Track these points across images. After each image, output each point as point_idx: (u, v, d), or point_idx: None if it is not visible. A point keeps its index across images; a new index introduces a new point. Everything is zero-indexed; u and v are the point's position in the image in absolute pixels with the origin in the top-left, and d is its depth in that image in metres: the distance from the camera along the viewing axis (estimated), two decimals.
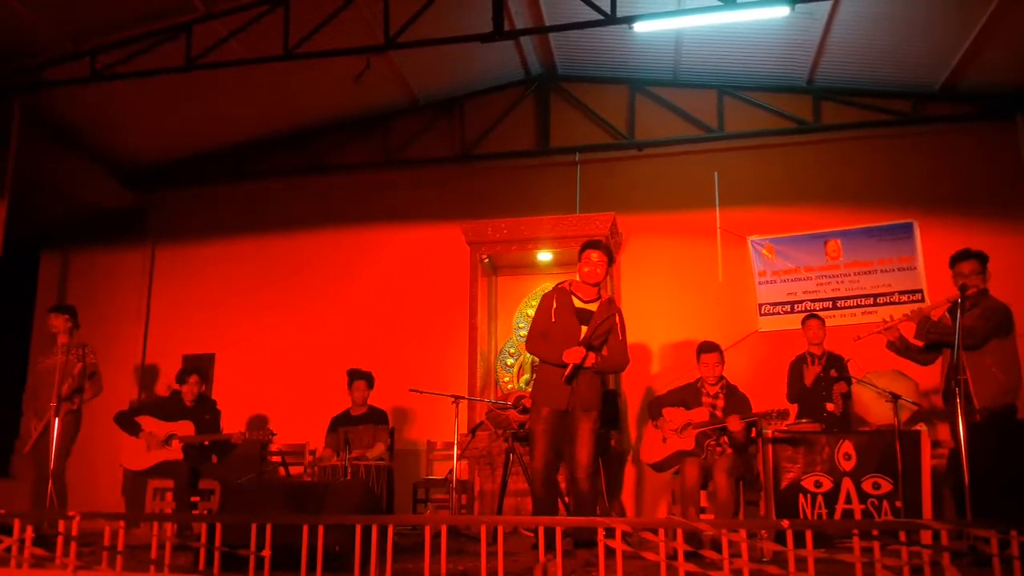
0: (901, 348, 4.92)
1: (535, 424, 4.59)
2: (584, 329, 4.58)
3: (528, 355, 7.28)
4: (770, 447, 5.01)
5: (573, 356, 4.48)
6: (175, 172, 8.86)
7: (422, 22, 6.27)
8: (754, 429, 5.20)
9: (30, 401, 6.23)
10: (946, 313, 4.74)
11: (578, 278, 4.74)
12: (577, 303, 4.66)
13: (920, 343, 4.86)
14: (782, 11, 5.88)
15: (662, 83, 8.07)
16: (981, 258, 4.73)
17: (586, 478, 4.45)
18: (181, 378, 6.48)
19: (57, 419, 5.53)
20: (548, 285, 4.96)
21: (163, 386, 8.39)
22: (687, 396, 5.46)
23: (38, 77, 6.84)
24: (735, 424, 5.05)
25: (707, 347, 5.48)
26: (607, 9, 5.93)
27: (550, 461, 4.54)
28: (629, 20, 6.04)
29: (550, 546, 3.20)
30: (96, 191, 8.54)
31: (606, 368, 4.70)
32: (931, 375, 5.22)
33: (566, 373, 4.48)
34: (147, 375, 8.54)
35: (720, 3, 5.82)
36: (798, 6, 5.86)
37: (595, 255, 4.67)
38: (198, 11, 6.58)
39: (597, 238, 5.10)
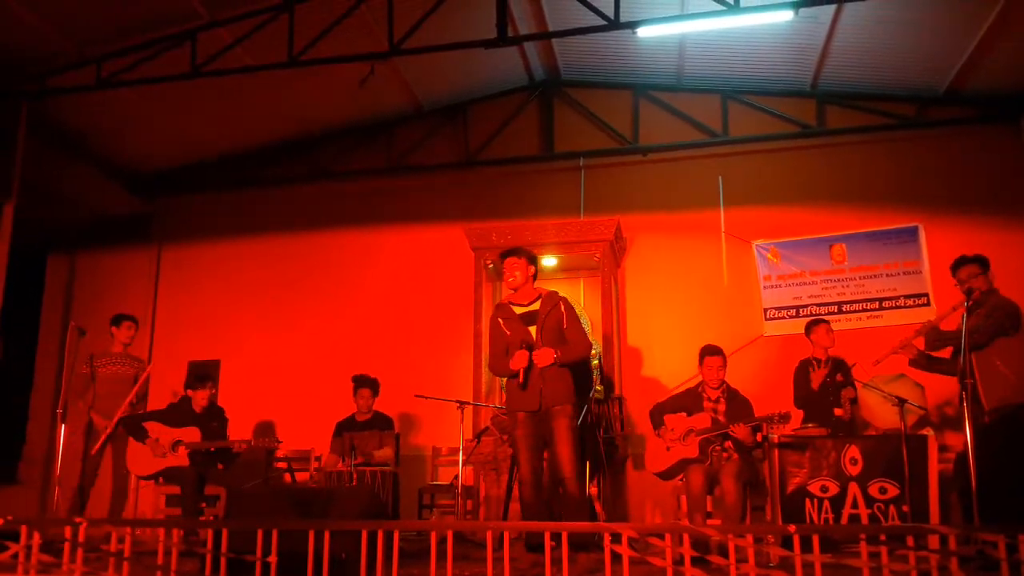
0: (924, 363, 4.93)
1: (513, 431, 4.60)
2: (534, 330, 4.61)
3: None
4: (776, 451, 4.99)
5: (518, 362, 4.48)
6: (181, 178, 8.89)
7: (426, 29, 6.29)
8: (759, 434, 5.19)
9: (76, 400, 6.23)
10: (960, 320, 4.73)
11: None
12: (518, 310, 4.70)
13: (940, 354, 4.85)
14: (786, 15, 5.89)
15: (666, 88, 8.09)
16: (980, 261, 4.73)
17: (572, 479, 4.39)
18: (194, 384, 6.48)
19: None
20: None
21: (169, 392, 8.39)
22: (688, 401, 5.44)
23: (45, 84, 6.87)
24: (740, 431, 5.04)
25: (710, 350, 5.47)
26: (610, 14, 5.93)
27: (536, 467, 4.51)
28: (632, 25, 6.04)
29: (554, 551, 3.20)
30: (102, 197, 8.57)
31: (570, 359, 4.62)
32: (940, 380, 5.20)
33: (519, 381, 4.48)
34: (152, 381, 8.53)
35: (723, 8, 5.83)
36: (802, 10, 5.86)
37: (507, 262, 4.73)
38: (203, 18, 6.61)
39: (515, 249, 4.89)
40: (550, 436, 4.48)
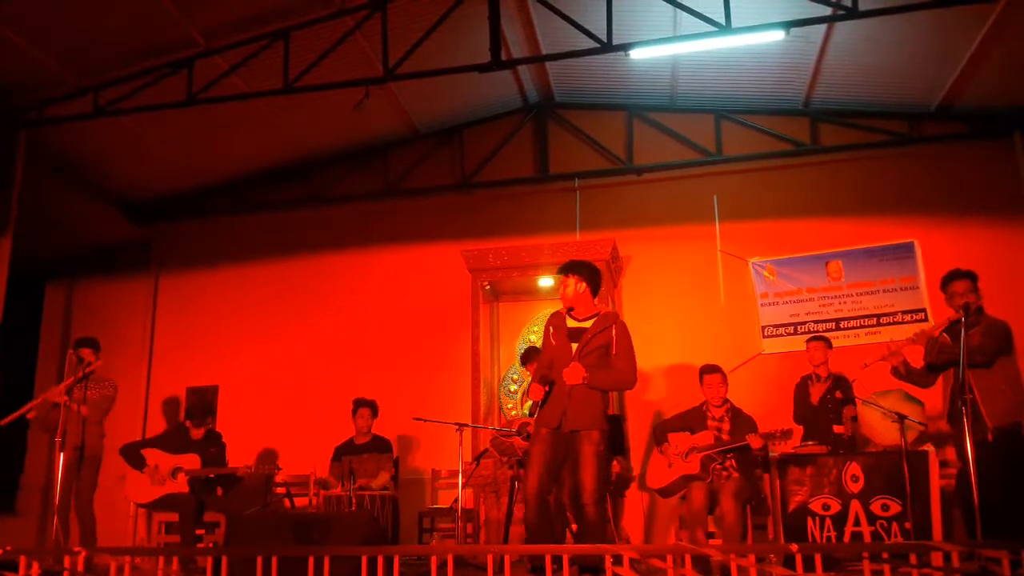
0: (904, 373, 4.89)
1: (532, 445, 4.46)
2: (575, 347, 4.48)
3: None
4: (777, 469, 4.99)
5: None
6: (178, 205, 8.91)
7: (420, 53, 6.33)
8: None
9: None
10: (943, 333, 4.72)
11: None
12: (571, 323, 4.59)
13: (922, 365, 4.85)
14: (777, 35, 5.94)
15: (659, 108, 8.13)
16: (972, 277, 4.73)
17: (592, 504, 4.25)
18: (191, 415, 6.45)
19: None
20: (549, 310, 4.91)
21: (168, 419, 8.37)
22: (692, 420, 5.45)
23: (43, 113, 6.90)
24: (756, 442, 5.03)
25: (709, 368, 5.50)
26: (603, 37, 5.98)
27: (544, 484, 4.34)
28: (625, 48, 6.09)
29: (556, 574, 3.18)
30: (100, 225, 8.59)
31: (603, 384, 4.49)
32: (936, 395, 5.19)
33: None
34: (151, 408, 8.52)
35: (715, 29, 5.88)
36: (793, 30, 5.92)
37: (560, 279, 4.66)
38: (199, 46, 6.66)
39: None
40: (574, 460, 4.34)
